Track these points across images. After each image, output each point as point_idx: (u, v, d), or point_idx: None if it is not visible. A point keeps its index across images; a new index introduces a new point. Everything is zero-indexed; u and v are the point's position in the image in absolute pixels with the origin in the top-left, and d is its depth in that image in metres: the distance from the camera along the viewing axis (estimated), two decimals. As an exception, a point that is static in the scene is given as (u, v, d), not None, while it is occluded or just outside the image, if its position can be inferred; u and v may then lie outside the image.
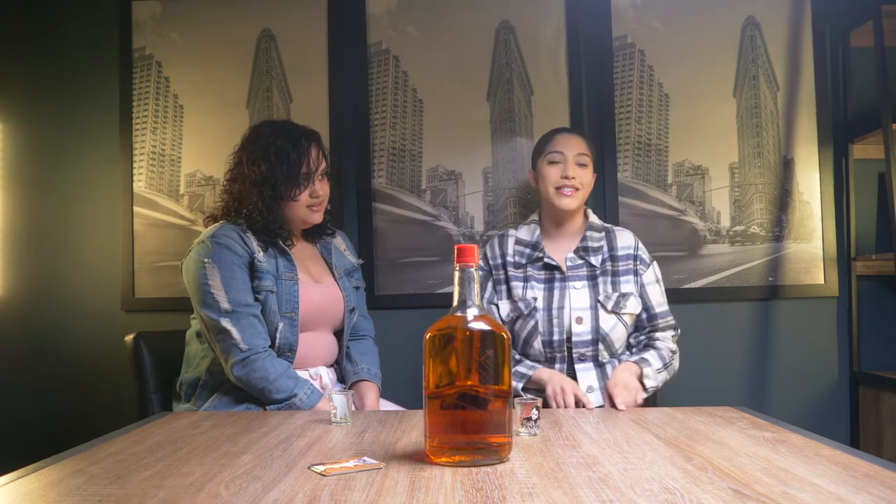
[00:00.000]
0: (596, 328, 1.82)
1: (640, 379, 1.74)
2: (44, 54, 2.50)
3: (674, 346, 1.87)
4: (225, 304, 1.64)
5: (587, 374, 1.82)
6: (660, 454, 1.07)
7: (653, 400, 2.07)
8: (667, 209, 2.37)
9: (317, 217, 1.80)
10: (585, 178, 1.90)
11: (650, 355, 1.80)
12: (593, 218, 1.96)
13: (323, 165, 1.79)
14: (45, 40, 2.50)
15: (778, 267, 2.35)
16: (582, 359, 1.83)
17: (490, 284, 1.94)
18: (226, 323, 1.64)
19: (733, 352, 2.36)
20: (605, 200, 2.36)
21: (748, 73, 2.37)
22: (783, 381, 2.35)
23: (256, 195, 1.72)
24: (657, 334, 1.87)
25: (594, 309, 1.84)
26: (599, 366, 1.84)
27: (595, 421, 1.36)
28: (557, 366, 1.84)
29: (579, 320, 1.82)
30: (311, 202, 1.77)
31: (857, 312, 2.32)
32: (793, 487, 0.88)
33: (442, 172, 2.41)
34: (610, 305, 1.84)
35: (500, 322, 1.88)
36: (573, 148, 1.90)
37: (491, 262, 1.96)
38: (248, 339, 1.64)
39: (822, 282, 2.33)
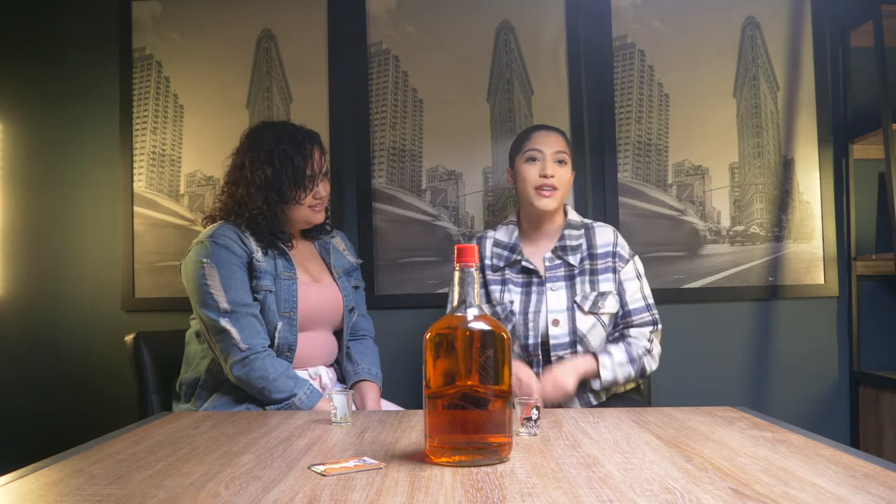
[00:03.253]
0: (573, 330, 1.80)
1: (597, 370, 1.75)
2: (44, 54, 2.50)
3: (648, 345, 1.82)
4: (224, 304, 1.64)
5: None
6: (660, 454, 1.07)
7: (654, 400, 2.07)
8: (667, 209, 2.37)
9: (319, 217, 1.82)
10: (564, 176, 1.87)
11: (615, 348, 1.79)
12: (572, 215, 1.93)
13: (324, 166, 1.80)
14: (45, 40, 2.50)
15: (778, 267, 2.35)
16: (559, 361, 1.79)
17: None
18: (225, 323, 1.64)
19: (733, 352, 2.36)
20: (605, 200, 2.35)
21: (748, 73, 2.37)
22: (783, 381, 2.35)
23: (262, 199, 1.72)
24: (631, 331, 1.83)
25: (571, 311, 1.81)
26: None
27: (595, 421, 1.36)
28: (534, 369, 1.81)
29: (556, 322, 1.80)
30: (313, 203, 1.78)
31: (857, 312, 2.32)
32: (793, 487, 0.88)
33: (442, 172, 2.41)
34: (587, 306, 1.81)
35: None
36: (551, 145, 1.87)
37: None
38: (247, 338, 1.64)
39: (822, 282, 2.33)
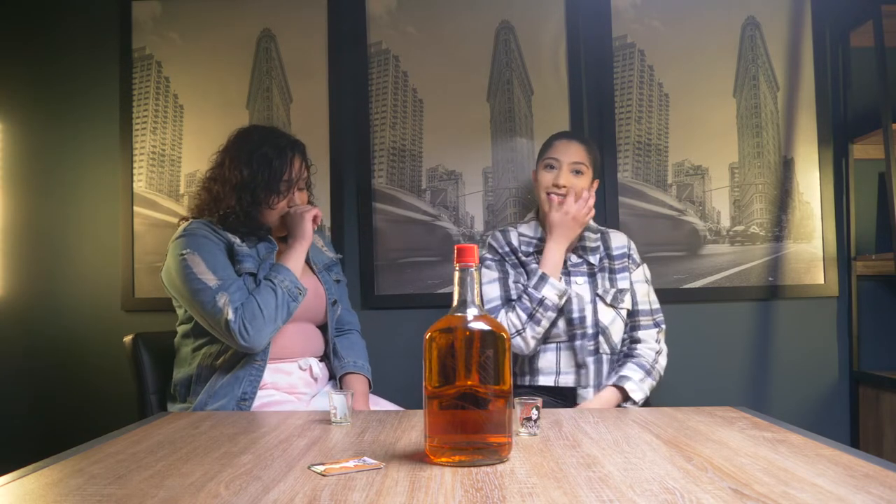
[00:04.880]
0: (596, 322, 1.87)
1: (627, 396, 1.82)
2: (44, 54, 2.50)
3: (657, 347, 1.92)
4: (214, 281, 1.63)
5: (587, 366, 1.88)
6: (660, 454, 1.07)
7: (653, 400, 2.07)
8: (667, 209, 2.37)
9: None
10: (579, 185, 1.90)
11: (629, 370, 1.85)
12: (590, 221, 1.98)
13: (304, 176, 1.81)
14: (44, 40, 2.50)
15: (778, 267, 2.35)
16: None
17: (509, 268, 1.94)
18: (220, 298, 1.60)
19: (733, 352, 2.36)
20: (605, 200, 2.35)
21: (748, 73, 2.37)
22: (783, 381, 2.35)
23: (235, 199, 1.72)
24: (639, 334, 1.92)
25: (593, 303, 1.88)
26: (598, 361, 1.87)
27: (595, 421, 1.36)
28: (578, 342, 1.86)
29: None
30: (284, 212, 1.78)
31: (857, 312, 2.32)
32: (793, 487, 0.88)
33: (442, 172, 2.41)
34: (609, 299, 1.89)
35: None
36: (570, 155, 1.92)
37: (500, 251, 1.97)
38: (234, 304, 1.61)
39: (822, 282, 2.33)
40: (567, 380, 1.88)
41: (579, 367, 1.87)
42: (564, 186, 1.88)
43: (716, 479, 0.92)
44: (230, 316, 1.60)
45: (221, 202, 1.73)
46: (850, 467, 0.98)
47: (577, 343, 1.87)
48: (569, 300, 1.87)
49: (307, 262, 1.88)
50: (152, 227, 2.44)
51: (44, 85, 2.49)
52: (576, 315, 1.87)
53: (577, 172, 1.91)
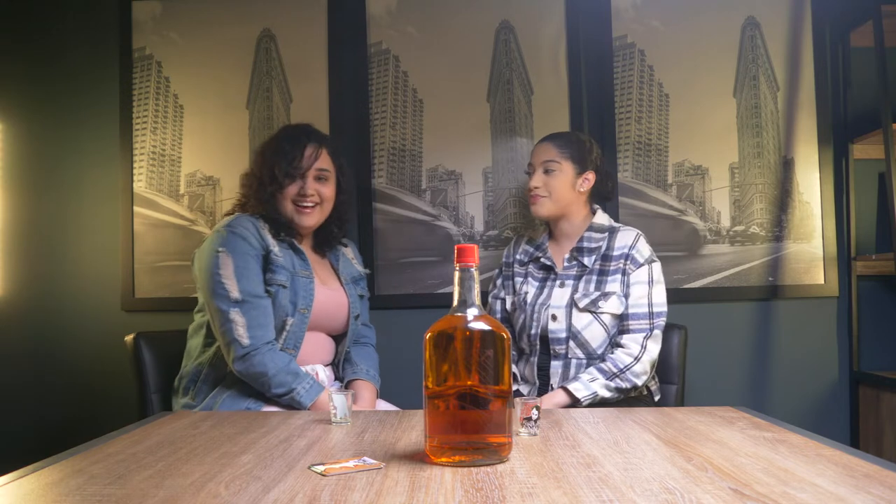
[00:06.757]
0: (569, 326, 1.85)
1: (569, 399, 1.76)
2: (44, 54, 2.50)
3: (635, 353, 1.80)
4: (235, 294, 1.65)
5: (555, 371, 1.88)
6: (660, 454, 1.07)
7: (653, 400, 2.07)
8: (667, 209, 2.37)
9: (306, 219, 1.79)
10: (552, 183, 1.92)
11: (586, 372, 1.80)
12: (599, 219, 1.96)
13: (319, 164, 1.80)
14: (44, 40, 2.50)
15: (778, 267, 2.35)
16: (556, 356, 1.87)
17: (500, 281, 2.05)
18: (234, 314, 1.64)
19: (733, 352, 2.36)
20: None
21: (748, 73, 2.37)
22: (783, 381, 2.35)
23: (257, 185, 1.79)
24: (623, 339, 1.83)
25: (569, 307, 1.87)
26: (566, 366, 1.86)
27: (595, 421, 1.36)
28: (532, 358, 1.91)
29: (554, 317, 1.87)
30: (298, 199, 1.78)
31: (857, 312, 2.32)
32: (793, 487, 0.88)
33: (442, 172, 2.41)
34: (583, 304, 1.84)
35: (505, 315, 2.03)
36: (540, 156, 1.95)
37: (504, 261, 2.08)
38: (252, 331, 1.64)
39: (822, 282, 2.33)
40: (524, 389, 1.92)
41: (534, 381, 1.89)
42: (537, 186, 1.93)
43: (716, 479, 0.92)
44: (245, 342, 1.64)
45: (252, 195, 1.80)
46: (850, 467, 0.98)
47: (533, 359, 1.90)
48: (531, 316, 1.89)
49: (335, 271, 1.90)
50: (152, 227, 2.44)
51: (44, 85, 2.49)
52: (533, 332, 1.89)
53: (549, 171, 1.93)
